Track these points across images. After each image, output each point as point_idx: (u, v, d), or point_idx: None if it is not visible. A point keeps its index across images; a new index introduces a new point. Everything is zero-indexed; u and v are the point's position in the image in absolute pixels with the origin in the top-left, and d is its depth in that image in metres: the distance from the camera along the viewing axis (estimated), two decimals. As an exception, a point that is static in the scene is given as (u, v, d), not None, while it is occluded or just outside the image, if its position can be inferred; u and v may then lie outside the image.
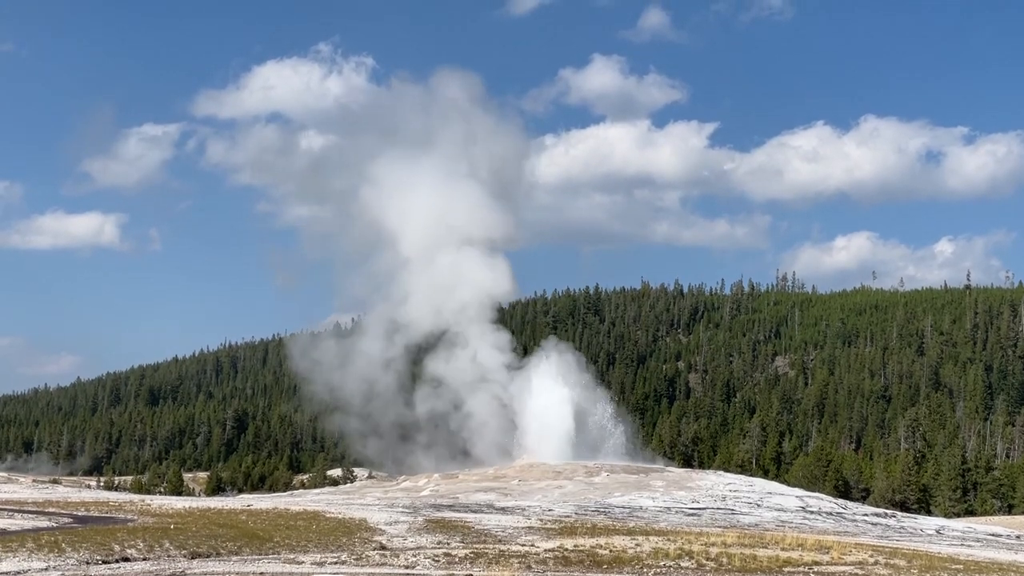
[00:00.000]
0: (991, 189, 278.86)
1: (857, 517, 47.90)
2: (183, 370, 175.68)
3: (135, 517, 34.32)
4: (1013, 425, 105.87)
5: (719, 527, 37.92)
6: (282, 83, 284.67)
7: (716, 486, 54.64)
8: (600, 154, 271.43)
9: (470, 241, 76.94)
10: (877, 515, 50.18)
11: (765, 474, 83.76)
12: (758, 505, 49.09)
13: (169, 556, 24.50)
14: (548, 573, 22.41)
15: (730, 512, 46.04)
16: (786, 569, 23.61)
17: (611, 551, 25.73)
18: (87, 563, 22.66)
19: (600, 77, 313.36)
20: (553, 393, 69.55)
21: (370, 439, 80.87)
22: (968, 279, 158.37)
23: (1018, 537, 42.65)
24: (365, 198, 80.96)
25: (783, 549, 27.26)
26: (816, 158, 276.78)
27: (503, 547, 26.95)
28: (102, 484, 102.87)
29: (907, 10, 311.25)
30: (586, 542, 27.79)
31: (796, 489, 60.14)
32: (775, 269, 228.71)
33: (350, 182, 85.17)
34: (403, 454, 78.57)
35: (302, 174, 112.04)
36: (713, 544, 27.60)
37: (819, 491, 64.67)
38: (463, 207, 77.37)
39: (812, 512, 48.27)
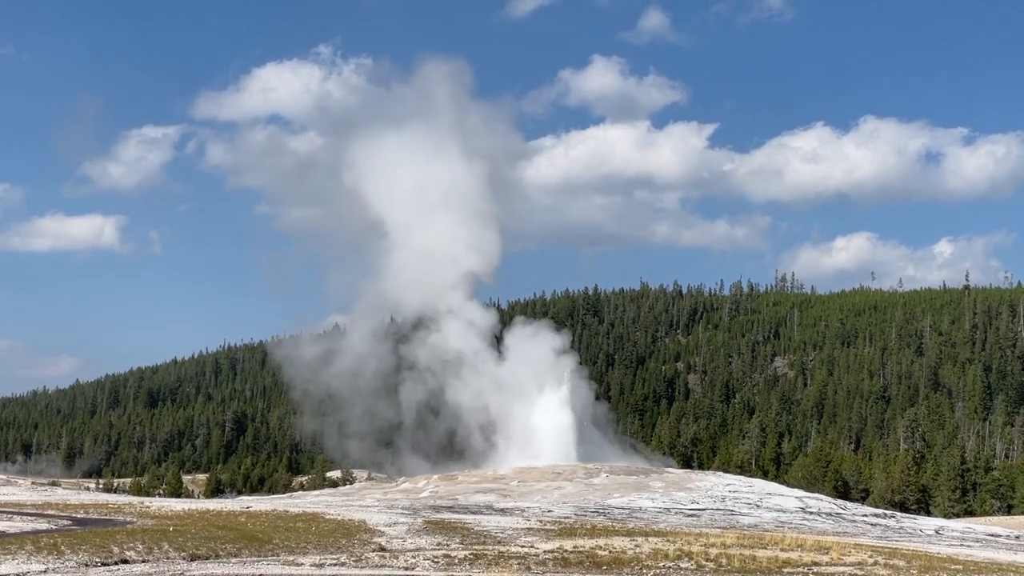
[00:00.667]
0: (991, 190, 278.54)
1: (856, 518, 47.91)
2: (182, 372, 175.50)
3: (134, 519, 34.33)
4: (1012, 425, 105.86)
5: (718, 528, 37.93)
6: (282, 85, 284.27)
7: (715, 487, 54.66)
8: (600, 155, 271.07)
9: (452, 210, 76.34)
10: (876, 516, 50.20)
11: (764, 475, 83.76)
12: (757, 506, 49.11)
13: (168, 558, 24.49)
14: (548, 574, 22.42)
15: (729, 513, 46.06)
16: (785, 570, 23.61)
17: (610, 552, 25.74)
18: (86, 565, 22.66)
19: (600, 78, 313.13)
20: (551, 394, 69.20)
21: (354, 440, 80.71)
22: (967, 279, 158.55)
23: (1017, 537, 42.66)
24: (350, 186, 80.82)
25: (782, 550, 27.27)
26: (816, 159, 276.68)
27: (502, 548, 26.95)
28: (101, 486, 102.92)
29: (906, 11, 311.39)
30: (585, 543, 27.79)
31: (795, 490, 60.16)
32: (774, 270, 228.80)
33: (337, 175, 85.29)
34: (391, 453, 78.34)
35: (293, 174, 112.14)
36: (712, 545, 27.60)
37: (818, 492, 64.67)
38: (444, 173, 76.87)
39: (811, 513, 48.28)
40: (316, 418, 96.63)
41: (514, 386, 70.33)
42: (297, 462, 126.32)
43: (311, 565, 23.30)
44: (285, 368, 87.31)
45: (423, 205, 76.72)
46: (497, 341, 74.65)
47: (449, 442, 73.35)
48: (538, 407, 69.35)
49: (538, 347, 71.76)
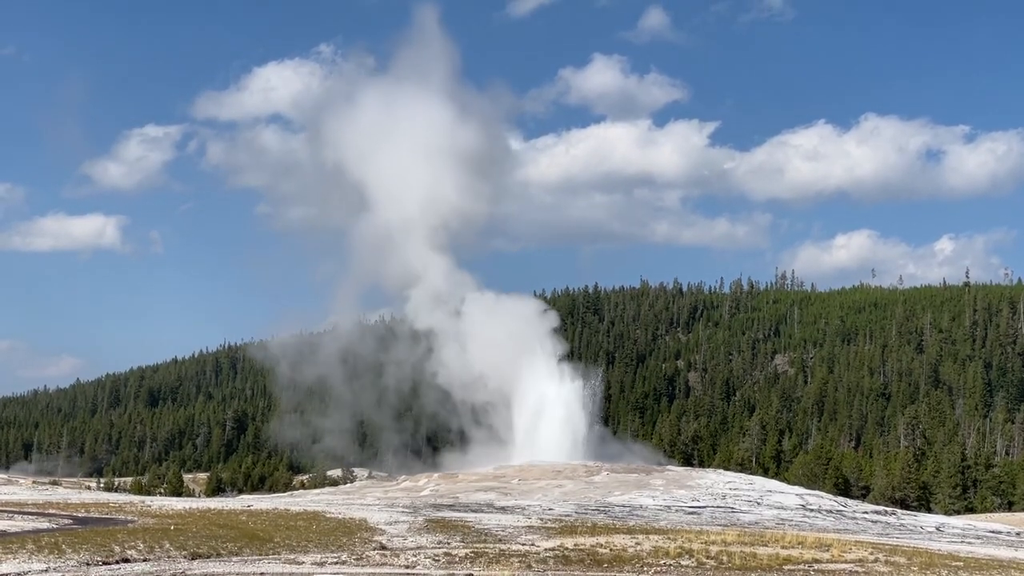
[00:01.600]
0: (991, 187, 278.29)
1: (857, 515, 47.95)
2: (183, 371, 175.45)
3: (135, 518, 34.35)
4: (1013, 422, 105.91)
5: (719, 525, 37.95)
6: (283, 84, 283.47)
7: (716, 484, 54.68)
8: (600, 153, 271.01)
9: (431, 174, 74.22)
10: (877, 513, 50.23)
11: (765, 472, 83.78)
12: (758, 503, 49.14)
13: (169, 557, 24.51)
14: (548, 572, 22.43)
15: (730, 510, 46.08)
16: (786, 567, 23.64)
17: (611, 550, 25.75)
18: (87, 564, 22.67)
19: (600, 76, 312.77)
20: (551, 391, 68.20)
21: (337, 436, 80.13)
22: (967, 277, 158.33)
23: (1018, 534, 42.68)
24: (334, 164, 79.32)
25: (783, 547, 27.29)
26: (816, 157, 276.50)
27: (503, 546, 26.96)
28: (102, 485, 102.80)
29: (907, 9, 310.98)
30: (586, 541, 27.81)
31: (796, 487, 60.20)
32: (774, 268, 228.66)
33: (321, 156, 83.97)
34: (375, 449, 77.66)
35: (291, 173, 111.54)
36: (713, 542, 27.61)
37: (819, 489, 64.71)
38: (424, 135, 74.96)
39: (812, 510, 48.32)
40: (296, 417, 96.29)
41: (491, 368, 68.43)
42: (298, 461, 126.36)
43: (312, 564, 23.32)
44: (271, 370, 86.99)
45: (401, 169, 74.71)
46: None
47: (435, 432, 72.57)
48: (527, 392, 67.52)
49: (504, 321, 69.28)
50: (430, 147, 75.49)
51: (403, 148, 75.16)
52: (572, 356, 75.74)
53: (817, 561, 24.66)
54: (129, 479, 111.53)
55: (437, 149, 75.55)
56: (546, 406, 68.15)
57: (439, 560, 24.04)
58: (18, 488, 60.74)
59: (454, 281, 73.89)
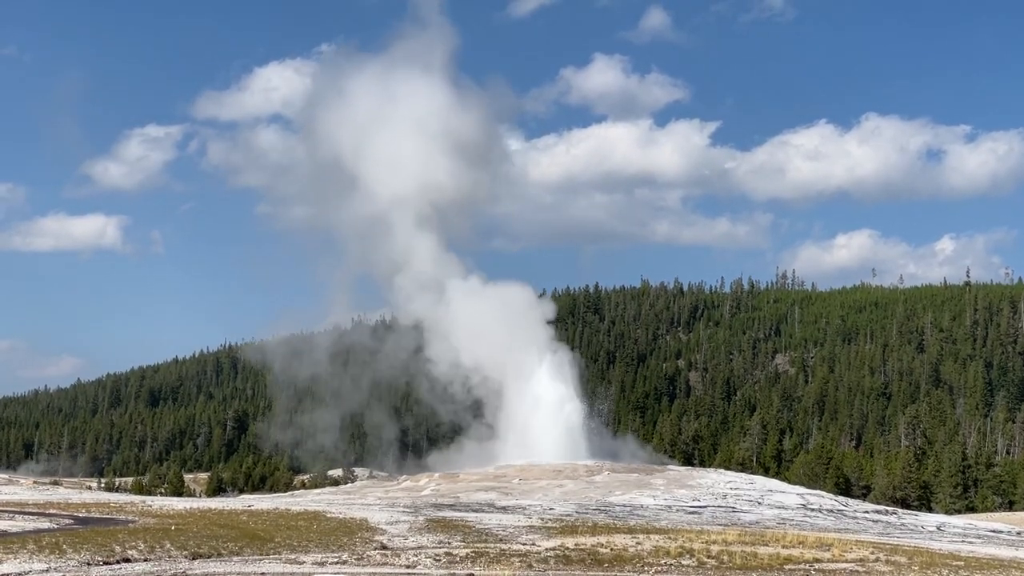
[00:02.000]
0: (992, 187, 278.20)
1: (858, 514, 47.95)
2: (183, 371, 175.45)
3: (136, 518, 34.36)
4: (1013, 422, 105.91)
5: (720, 525, 37.94)
6: (284, 84, 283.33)
7: (717, 484, 54.67)
8: (601, 153, 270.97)
9: (420, 156, 72.53)
10: (878, 512, 50.23)
11: (766, 472, 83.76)
12: (759, 503, 49.14)
13: (170, 557, 24.52)
14: (549, 572, 22.43)
15: (731, 510, 46.08)
16: (787, 567, 23.64)
17: (612, 550, 25.75)
18: (88, 564, 22.68)
19: (601, 76, 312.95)
20: (550, 389, 67.45)
21: (330, 436, 79.68)
22: (968, 276, 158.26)
23: (1019, 533, 42.67)
24: (331, 158, 78.11)
25: (784, 547, 27.29)
26: (817, 156, 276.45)
27: (504, 546, 26.97)
28: (103, 485, 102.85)
29: (908, 9, 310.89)
30: (587, 541, 27.80)
31: (797, 487, 60.22)
32: (775, 267, 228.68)
33: (316, 149, 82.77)
34: (374, 447, 77.06)
35: (292, 172, 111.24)
36: (714, 542, 27.61)
37: (820, 489, 64.71)
38: (413, 118, 73.67)
39: (813, 510, 48.32)
40: (293, 417, 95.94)
41: (484, 360, 66.99)
42: (298, 461, 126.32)
43: (313, 563, 23.33)
44: (269, 370, 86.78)
45: (391, 147, 73.37)
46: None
47: (433, 428, 72.14)
48: (523, 388, 66.56)
49: (494, 309, 67.58)
50: (422, 127, 74.27)
51: (394, 126, 73.66)
52: (571, 353, 74.91)
53: (818, 561, 24.67)
54: (130, 479, 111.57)
55: (429, 130, 74.42)
56: (543, 403, 67.35)
57: (440, 560, 24.05)
58: (19, 488, 60.74)
59: (442, 263, 72.53)
